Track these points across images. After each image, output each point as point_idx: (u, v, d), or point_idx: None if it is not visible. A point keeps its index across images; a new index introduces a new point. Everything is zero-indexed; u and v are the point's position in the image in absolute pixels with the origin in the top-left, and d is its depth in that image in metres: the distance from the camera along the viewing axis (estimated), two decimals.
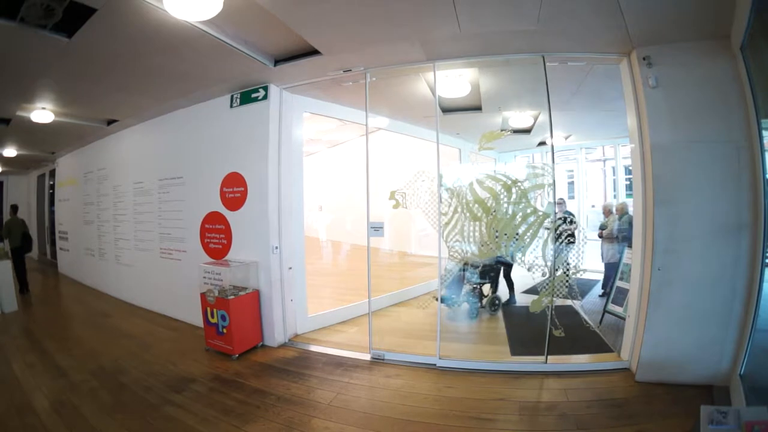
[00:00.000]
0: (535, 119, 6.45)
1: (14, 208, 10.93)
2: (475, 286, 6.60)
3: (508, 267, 6.80)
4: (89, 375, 5.04)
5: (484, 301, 6.76)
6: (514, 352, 5.25)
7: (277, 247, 5.88)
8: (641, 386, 4.26)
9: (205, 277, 5.90)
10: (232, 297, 5.47)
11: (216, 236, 6.48)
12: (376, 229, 5.38)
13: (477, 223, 4.90)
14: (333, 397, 4.39)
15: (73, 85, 6.11)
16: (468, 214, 4.91)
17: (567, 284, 4.79)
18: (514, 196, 4.81)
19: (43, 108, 7.01)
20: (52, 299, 9.96)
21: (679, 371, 4.22)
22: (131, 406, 4.27)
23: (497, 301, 6.82)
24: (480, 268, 6.43)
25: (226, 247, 6.34)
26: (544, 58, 4.70)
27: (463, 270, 6.25)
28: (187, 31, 4.28)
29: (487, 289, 6.81)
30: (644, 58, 4.29)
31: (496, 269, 6.77)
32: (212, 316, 5.57)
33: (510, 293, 7.03)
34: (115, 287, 9.34)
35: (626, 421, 3.68)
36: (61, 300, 9.85)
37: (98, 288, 10.05)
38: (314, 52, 4.89)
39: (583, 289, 6.59)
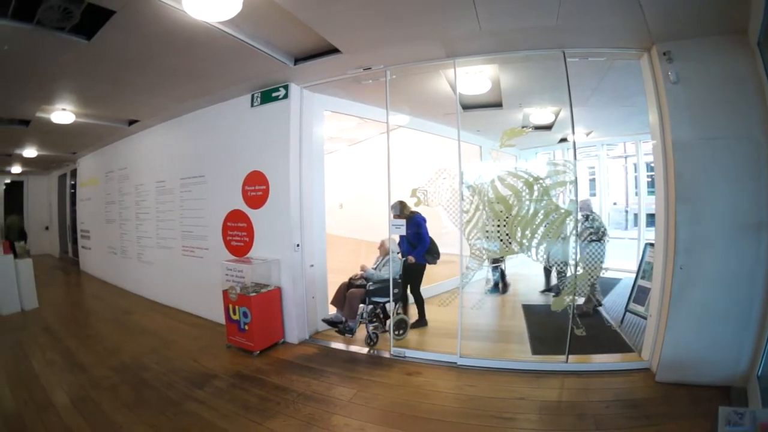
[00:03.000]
0: (556, 115, 6.39)
1: (11, 211, 14.38)
2: (376, 304, 5.84)
3: (415, 280, 6.24)
4: (110, 371, 5.10)
5: (388, 323, 5.83)
6: (535, 351, 5.21)
7: (298, 245, 5.91)
8: (661, 387, 4.21)
9: (227, 275, 5.97)
10: (253, 294, 5.50)
11: (238, 234, 6.54)
12: (397, 226, 5.41)
13: (498, 220, 4.87)
14: (353, 394, 4.40)
15: (93, 87, 6.17)
16: (489, 212, 4.88)
17: (589, 283, 4.75)
18: (536, 193, 4.77)
19: (64, 109, 7.09)
20: (73, 296, 10.12)
21: (699, 372, 4.16)
22: (152, 402, 4.32)
23: (405, 324, 5.97)
24: (373, 286, 5.75)
25: (248, 245, 6.39)
26: (564, 53, 4.64)
27: (365, 286, 5.81)
28: (206, 32, 4.30)
29: (390, 308, 5.91)
30: (664, 54, 4.23)
31: (398, 284, 5.86)
32: (234, 313, 5.61)
33: (420, 313, 6.31)
34: (136, 285, 9.47)
35: (645, 421, 3.64)
36: (83, 297, 10.00)
37: (120, 285, 10.19)
38: (334, 50, 4.89)
39: (604, 288, 6.53)
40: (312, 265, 6.14)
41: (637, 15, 3.82)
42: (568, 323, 4.72)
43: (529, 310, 6.57)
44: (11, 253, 7.93)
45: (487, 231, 4.90)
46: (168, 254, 8.20)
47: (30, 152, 11.06)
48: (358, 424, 3.81)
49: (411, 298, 6.29)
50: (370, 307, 5.76)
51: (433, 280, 7.87)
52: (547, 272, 6.98)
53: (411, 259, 6.02)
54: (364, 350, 5.57)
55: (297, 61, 5.31)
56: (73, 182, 14.19)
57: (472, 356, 5.02)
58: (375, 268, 6.06)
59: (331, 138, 9.59)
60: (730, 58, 4.06)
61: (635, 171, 9.57)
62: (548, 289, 6.98)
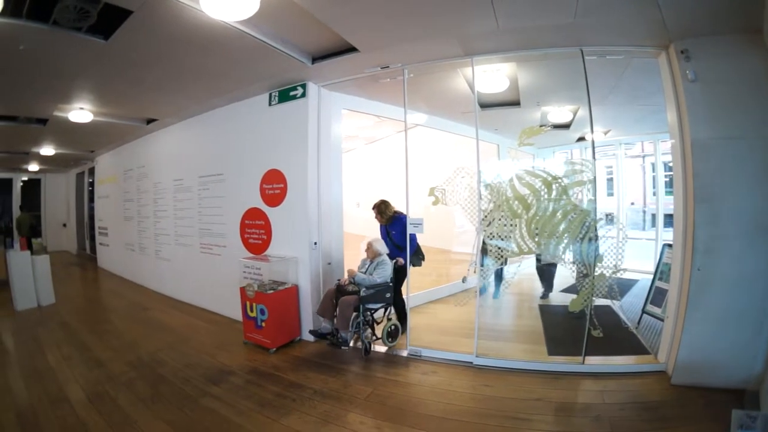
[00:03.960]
0: (574, 114, 6.36)
1: (21, 208, 14.58)
2: (367, 311, 5.47)
3: (399, 283, 5.93)
4: (127, 366, 5.15)
5: (379, 330, 5.64)
6: (552, 351, 5.18)
7: (316, 243, 5.94)
8: (676, 389, 4.17)
9: (244, 272, 6.05)
10: (271, 291, 5.55)
11: (256, 232, 6.58)
12: (415, 225, 5.39)
13: (517, 220, 4.85)
14: (369, 392, 4.40)
15: (111, 86, 6.25)
16: (508, 211, 4.86)
17: (607, 283, 4.71)
18: (554, 192, 4.74)
19: (81, 108, 7.18)
20: (90, 292, 10.24)
21: (715, 375, 4.11)
22: (169, 398, 4.35)
23: (397, 330, 5.72)
24: (366, 292, 5.36)
25: (266, 243, 6.43)
26: (582, 51, 4.60)
27: (357, 293, 5.42)
28: (224, 31, 4.32)
29: (380, 315, 5.75)
30: (682, 52, 4.18)
31: (390, 288, 5.65)
32: (251, 310, 5.65)
33: (400, 320, 5.96)
34: (154, 281, 9.58)
35: (659, 424, 3.61)
36: (100, 293, 10.13)
37: (138, 282, 10.33)
38: (351, 49, 4.89)
39: (623, 289, 6.47)
40: (329, 263, 6.17)
41: (654, 12, 3.78)
42: (585, 324, 4.69)
43: (545, 310, 6.54)
44: (28, 250, 8.03)
45: (504, 230, 4.88)
46: (186, 251, 8.28)
47: (47, 150, 11.22)
48: (373, 423, 3.82)
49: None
50: (365, 314, 5.44)
51: (449, 279, 7.88)
52: (540, 273, 6.95)
53: (401, 261, 5.83)
54: (381, 349, 5.57)
55: (315, 60, 5.32)
56: (91, 180, 14.37)
57: (488, 356, 5.00)
58: (365, 272, 5.67)
59: (348, 136, 9.61)
60: (748, 56, 4.01)
61: (653, 171, 9.49)
62: (546, 294, 6.97)
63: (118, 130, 9.20)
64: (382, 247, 5.72)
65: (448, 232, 6.61)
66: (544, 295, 6.95)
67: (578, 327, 4.78)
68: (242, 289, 5.77)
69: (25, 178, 16.76)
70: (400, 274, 5.86)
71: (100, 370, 5.05)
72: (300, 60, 5.17)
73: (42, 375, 4.90)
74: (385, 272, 5.55)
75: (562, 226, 4.71)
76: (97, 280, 11.47)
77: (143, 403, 4.23)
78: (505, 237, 4.88)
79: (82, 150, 12.14)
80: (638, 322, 5.84)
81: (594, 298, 4.67)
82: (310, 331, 5.59)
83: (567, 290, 6.66)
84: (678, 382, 4.24)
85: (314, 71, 5.51)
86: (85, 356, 5.49)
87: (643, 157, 9.91)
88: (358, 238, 6.23)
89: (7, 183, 16.43)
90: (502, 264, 5.01)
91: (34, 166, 14.88)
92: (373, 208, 6.15)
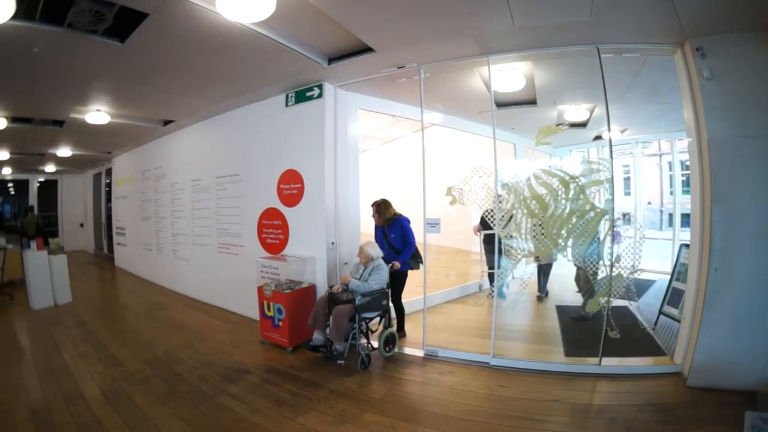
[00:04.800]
0: (591, 113, 6.31)
1: (31, 209, 15.30)
2: (365, 320, 5.17)
3: (398, 288, 5.75)
4: (143, 364, 5.19)
5: (378, 339, 5.32)
6: (568, 352, 5.15)
7: (334, 243, 5.98)
8: (692, 391, 4.13)
9: (262, 272, 6.09)
10: (288, 291, 5.57)
11: (273, 232, 6.64)
12: (432, 225, 5.37)
13: (534, 219, 4.83)
14: (385, 392, 4.41)
15: (128, 88, 6.32)
16: (525, 211, 4.84)
17: (624, 284, 4.67)
18: (572, 192, 4.71)
19: (98, 110, 7.27)
20: (107, 291, 10.37)
21: (730, 376, 4.07)
22: (185, 396, 4.38)
23: (394, 339, 5.43)
24: (361, 301, 5.01)
25: (283, 243, 6.48)
26: (598, 49, 4.57)
27: (352, 301, 5.11)
28: (240, 33, 4.36)
29: (376, 323, 5.45)
30: (697, 49, 4.14)
31: (387, 295, 5.36)
32: (268, 310, 5.68)
33: (399, 324, 5.89)
34: (171, 280, 9.68)
35: (674, 426, 3.58)
36: (117, 292, 10.25)
37: (155, 281, 10.45)
38: (368, 49, 4.91)
39: (640, 289, 6.41)
40: (346, 263, 6.17)
41: (669, 9, 3.75)
42: (603, 325, 4.66)
43: (562, 311, 6.49)
44: (45, 249, 8.13)
45: (522, 230, 4.86)
46: (203, 251, 8.36)
47: (64, 152, 11.38)
48: (389, 422, 3.81)
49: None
50: (361, 324, 5.11)
51: (466, 280, 7.87)
52: (539, 273, 6.90)
53: (397, 265, 5.49)
54: (398, 348, 5.54)
55: (331, 60, 5.35)
56: (108, 180, 14.54)
57: (504, 356, 4.99)
58: (359, 278, 5.29)
59: (364, 137, 9.63)
60: (764, 54, 3.98)
61: (670, 169, 9.39)
62: (543, 293, 6.95)
63: (135, 131, 9.30)
64: (375, 251, 5.36)
65: (466, 233, 6.56)
66: (542, 295, 6.92)
67: (595, 328, 4.74)
68: (260, 289, 5.81)
69: (42, 179, 17.02)
70: (396, 278, 5.65)
71: (117, 368, 5.10)
72: (316, 61, 5.19)
73: (58, 373, 4.95)
74: (381, 278, 5.25)
75: (579, 226, 4.68)
76: (114, 280, 11.60)
77: (159, 400, 4.26)
78: (523, 237, 4.86)
79: (99, 151, 12.30)
80: (655, 323, 5.79)
81: (612, 299, 4.64)
82: (302, 344, 5.40)
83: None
84: (693, 384, 4.21)
85: (330, 72, 5.53)
86: (102, 354, 5.54)
87: (660, 155, 9.81)
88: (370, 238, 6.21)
89: (24, 184, 16.71)
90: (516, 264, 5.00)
91: (50, 168, 15.12)
92: (372, 206, 5.82)
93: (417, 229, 5.68)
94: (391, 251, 5.69)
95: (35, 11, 4.01)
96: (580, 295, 6.04)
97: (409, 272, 5.78)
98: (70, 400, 4.22)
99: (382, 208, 5.75)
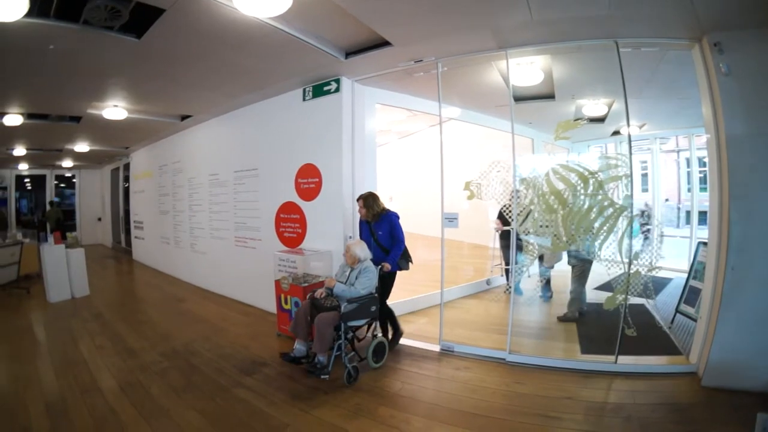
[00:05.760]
0: (609, 107, 6.25)
1: (52, 203, 16.20)
2: (352, 329, 4.73)
3: (386, 291, 5.32)
4: (160, 357, 5.25)
5: (367, 347, 4.89)
6: (584, 350, 5.12)
7: (351, 237, 5.98)
8: (706, 391, 4.08)
9: (279, 265, 6.10)
10: (305, 285, 5.57)
11: (291, 225, 6.69)
12: (450, 219, 5.35)
13: (552, 215, 4.80)
14: (401, 386, 4.42)
15: (145, 84, 6.39)
16: (543, 206, 4.81)
17: (642, 281, 4.63)
18: (591, 187, 4.68)
19: (116, 105, 7.36)
20: (125, 284, 10.52)
21: (745, 377, 4.01)
22: (201, 388, 4.41)
23: (384, 348, 5.00)
24: (347, 307, 4.50)
25: (301, 236, 6.53)
26: (617, 43, 4.52)
27: (336, 308, 4.64)
28: (257, 28, 4.38)
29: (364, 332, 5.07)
30: (715, 44, 4.07)
31: (376, 300, 4.85)
32: (286, 303, 5.72)
33: (393, 325, 5.53)
34: (189, 273, 9.82)
35: (688, 427, 3.54)
36: (135, 285, 10.39)
37: (172, 274, 10.60)
38: (385, 43, 4.90)
39: (656, 287, 6.34)
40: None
41: (686, 3, 3.71)
42: (620, 323, 4.62)
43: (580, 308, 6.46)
44: (62, 243, 8.24)
45: (540, 226, 4.84)
46: (221, 245, 8.45)
47: (82, 147, 11.58)
48: (403, 417, 3.81)
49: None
50: (347, 333, 4.63)
51: (483, 276, 7.85)
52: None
53: (387, 266, 5.03)
54: (413, 342, 5.55)
55: (348, 54, 5.35)
56: (126, 175, 14.69)
57: (521, 353, 4.97)
58: (345, 282, 4.83)
59: (380, 131, 9.63)
60: None
61: (687, 166, 9.29)
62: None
63: (153, 126, 9.41)
64: (364, 252, 4.88)
65: (481, 228, 6.53)
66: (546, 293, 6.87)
67: (612, 325, 4.70)
68: (277, 282, 5.85)
69: (60, 174, 17.27)
70: (385, 280, 5.20)
71: (133, 360, 5.15)
72: (333, 55, 5.21)
73: (74, 365, 5.00)
74: (369, 281, 4.76)
75: (597, 222, 4.64)
76: (132, 273, 11.78)
77: (176, 392, 4.30)
78: (541, 233, 4.83)
79: (116, 146, 12.47)
80: (671, 322, 5.74)
81: (629, 297, 4.60)
82: (281, 354, 4.84)
83: (601, 288, 6.56)
84: (708, 384, 4.16)
85: (348, 66, 5.54)
86: (119, 346, 5.60)
87: (678, 152, 9.71)
88: None
89: (41, 179, 16.96)
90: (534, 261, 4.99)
91: (68, 163, 15.37)
92: (359, 200, 5.34)
93: (431, 224, 5.66)
94: (379, 250, 5.23)
95: (49, 8, 4.06)
96: (597, 292, 6.01)
97: (399, 273, 5.41)
98: (86, 392, 4.27)
99: (370, 201, 5.25)
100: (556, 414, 3.79)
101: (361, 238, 5.41)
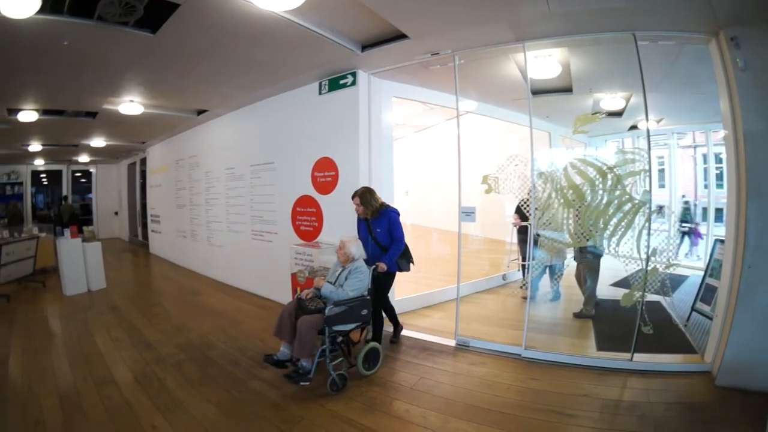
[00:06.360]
0: (627, 101, 6.19)
1: (65, 198, 16.28)
2: (339, 334, 4.30)
3: (384, 292, 5.08)
4: (176, 349, 5.30)
5: (358, 352, 4.55)
6: (600, 347, 5.09)
7: None
8: (720, 391, 4.03)
9: (296, 258, 6.12)
10: (322, 278, 5.54)
11: (307, 219, 6.72)
12: (467, 213, 5.32)
13: (570, 210, 4.76)
14: (416, 380, 4.41)
15: (161, 79, 6.44)
16: (562, 201, 4.77)
17: (659, 278, 4.58)
18: (609, 182, 4.63)
19: (131, 101, 7.42)
20: (142, 277, 10.62)
21: (759, 378, 3.96)
22: (217, 380, 4.45)
23: (377, 354, 4.69)
24: (333, 310, 4.13)
25: (317, 230, 6.56)
26: (635, 36, 4.46)
27: (321, 310, 4.23)
28: (273, 21, 4.37)
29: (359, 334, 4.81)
30: (732, 39, 4.00)
31: (368, 303, 4.47)
32: None
33: (393, 321, 5.45)
34: (205, 267, 9.90)
35: (701, 427, 3.50)
36: (151, 278, 10.50)
37: (189, 267, 10.72)
38: (401, 36, 4.88)
39: (673, 284, 6.28)
40: None
41: None
42: (636, 320, 4.58)
43: (595, 304, 6.41)
44: (79, 237, 8.34)
45: (558, 221, 4.80)
46: (237, 238, 8.52)
47: (98, 142, 11.69)
48: (419, 411, 3.81)
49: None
50: (337, 338, 4.31)
51: (499, 270, 7.81)
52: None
53: (382, 266, 4.70)
54: (429, 337, 5.55)
55: (364, 47, 5.34)
56: (142, 169, 14.84)
57: (536, 349, 4.95)
58: (335, 283, 4.51)
59: (396, 125, 9.60)
60: None
61: (704, 162, 9.18)
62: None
63: (169, 121, 9.50)
64: (359, 250, 4.60)
65: (496, 221, 6.49)
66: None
67: (628, 322, 4.66)
68: (293, 275, 5.88)
69: (76, 169, 17.49)
70: (382, 281, 4.91)
71: (149, 352, 5.20)
72: (349, 48, 5.20)
73: (89, 357, 5.05)
74: (360, 283, 4.43)
75: (615, 218, 4.60)
76: (149, 266, 11.91)
77: (191, 384, 4.34)
78: (559, 228, 4.79)
79: (133, 141, 12.62)
80: (687, 320, 5.68)
81: (646, 294, 4.56)
82: (265, 357, 4.47)
83: (617, 284, 6.51)
84: (722, 384, 4.10)
85: (364, 59, 5.53)
86: (135, 339, 5.66)
87: (695, 147, 9.59)
88: (407, 227, 6.17)
89: (57, 174, 17.17)
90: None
91: (84, 158, 15.55)
92: (354, 197, 4.99)
93: (447, 218, 5.63)
94: (377, 249, 4.98)
95: (62, 5, 4.09)
96: (613, 288, 5.96)
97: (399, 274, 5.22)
98: (100, 384, 4.32)
99: (367, 197, 4.92)
100: (571, 411, 3.77)
101: (359, 236, 5.09)
